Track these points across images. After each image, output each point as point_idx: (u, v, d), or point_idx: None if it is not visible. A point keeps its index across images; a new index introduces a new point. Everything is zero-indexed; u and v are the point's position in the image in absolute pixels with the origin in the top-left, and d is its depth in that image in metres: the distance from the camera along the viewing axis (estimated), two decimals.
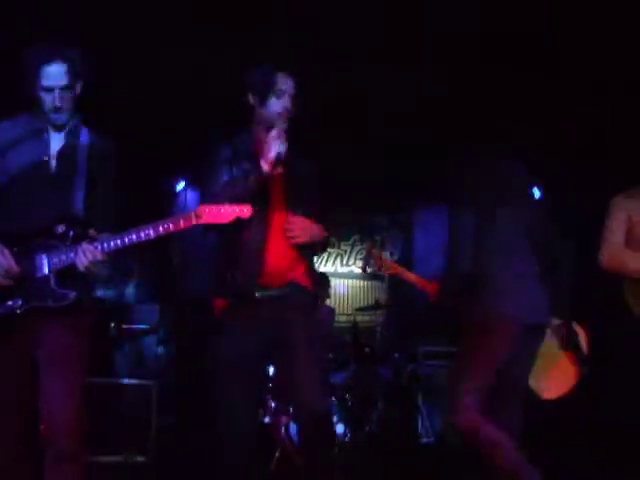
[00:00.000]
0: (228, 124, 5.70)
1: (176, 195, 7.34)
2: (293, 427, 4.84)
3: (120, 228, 2.63)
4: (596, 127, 5.28)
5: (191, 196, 7.47)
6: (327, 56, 4.70)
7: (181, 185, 7.34)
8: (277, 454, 4.59)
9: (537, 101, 5.31)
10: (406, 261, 7.23)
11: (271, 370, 5.12)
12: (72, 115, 2.77)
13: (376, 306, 6.37)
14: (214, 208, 2.53)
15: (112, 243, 2.54)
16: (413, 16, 4.53)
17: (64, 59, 2.63)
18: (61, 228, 2.59)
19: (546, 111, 5.44)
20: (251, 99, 3.03)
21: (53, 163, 2.71)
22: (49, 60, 2.61)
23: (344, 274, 7.91)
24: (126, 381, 5.26)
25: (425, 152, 5.83)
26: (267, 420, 4.98)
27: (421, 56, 4.90)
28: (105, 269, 2.66)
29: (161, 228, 2.54)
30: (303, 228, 2.87)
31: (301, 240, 2.86)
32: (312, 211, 2.96)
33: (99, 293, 6.15)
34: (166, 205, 7.19)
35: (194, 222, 2.54)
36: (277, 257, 2.85)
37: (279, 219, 2.88)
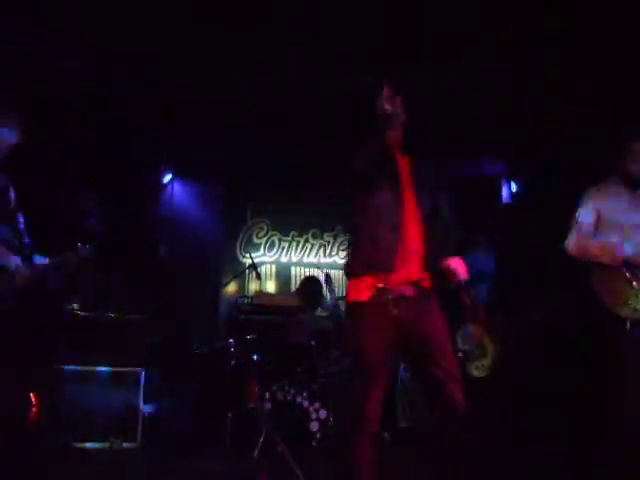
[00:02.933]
0: (219, 119, 5.85)
1: (163, 187, 7.39)
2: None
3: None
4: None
5: (178, 188, 7.55)
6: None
7: (168, 177, 7.39)
8: (261, 440, 4.70)
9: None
10: None
11: (255, 357, 5.25)
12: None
13: None
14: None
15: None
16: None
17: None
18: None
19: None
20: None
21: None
22: None
23: (327, 264, 8.02)
24: (114, 369, 5.35)
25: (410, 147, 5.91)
26: (251, 406, 5.11)
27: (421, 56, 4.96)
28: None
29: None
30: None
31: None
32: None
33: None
34: (152, 197, 7.23)
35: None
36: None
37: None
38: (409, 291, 2.78)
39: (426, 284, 2.84)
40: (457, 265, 2.86)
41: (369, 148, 2.82)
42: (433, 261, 2.85)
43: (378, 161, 2.82)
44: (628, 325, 3.36)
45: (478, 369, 4.83)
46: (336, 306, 6.01)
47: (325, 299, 6.16)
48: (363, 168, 2.83)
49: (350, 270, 2.92)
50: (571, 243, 3.61)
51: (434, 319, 2.78)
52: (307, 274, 7.50)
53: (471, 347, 4.86)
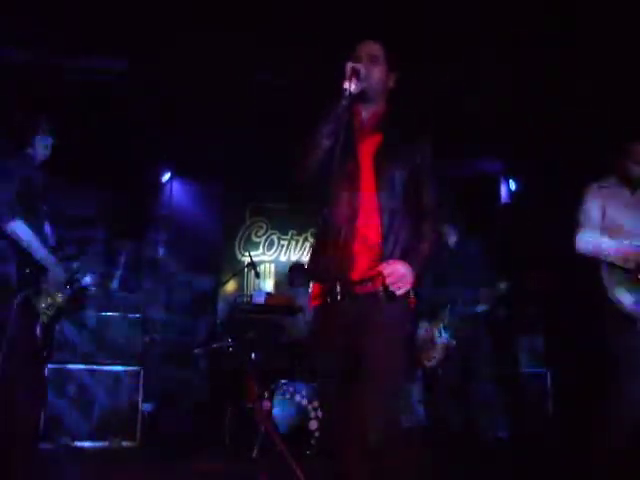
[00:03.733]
0: (219, 118, 5.84)
1: (162, 186, 7.38)
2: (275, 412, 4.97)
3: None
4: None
5: (177, 187, 7.54)
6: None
7: (167, 176, 7.39)
8: (260, 439, 4.70)
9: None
10: None
11: (253, 355, 5.25)
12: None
13: None
14: None
15: None
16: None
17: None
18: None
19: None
20: None
21: None
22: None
23: None
24: (114, 368, 5.36)
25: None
26: (250, 405, 5.11)
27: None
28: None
29: None
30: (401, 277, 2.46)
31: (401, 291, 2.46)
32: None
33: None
34: (151, 196, 7.23)
35: None
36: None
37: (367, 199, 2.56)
38: (359, 290, 2.48)
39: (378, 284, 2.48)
40: (389, 271, 2.43)
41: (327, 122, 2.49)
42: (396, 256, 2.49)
43: (333, 158, 2.44)
44: (638, 323, 3.36)
45: (429, 360, 5.00)
46: None
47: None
48: (313, 173, 2.54)
49: (308, 273, 2.75)
50: (582, 240, 3.55)
51: (376, 327, 2.45)
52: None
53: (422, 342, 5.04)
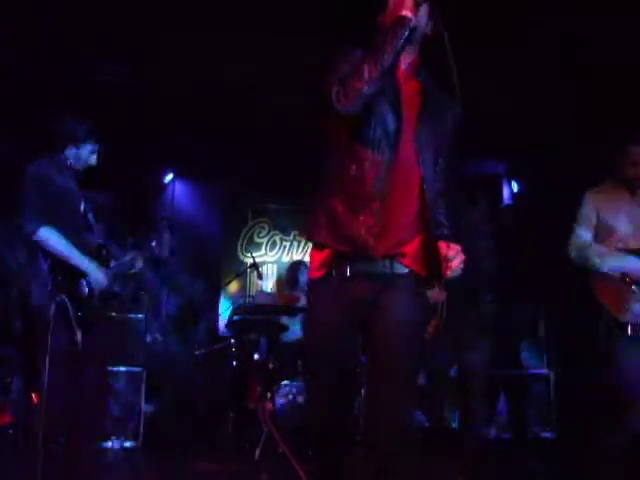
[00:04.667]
0: (221, 119, 5.85)
1: (164, 186, 7.39)
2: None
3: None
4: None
5: (179, 188, 7.55)
6: None
7: (169, 177, 7.39)
8: (262, 439, 4.70)
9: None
10: None
11: (256, 356, 5.25)
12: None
13: None
14: None
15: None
16: None
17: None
18: (104, 252, 3.48)
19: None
20: None
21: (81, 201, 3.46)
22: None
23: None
24: (115, 368, 5.36)
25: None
26: (252, 406, 5.11)
27: None
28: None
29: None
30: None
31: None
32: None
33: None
34: (153, 197, 7.23)
35: None
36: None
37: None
38: (377, 268, 2.19)
39: (407, 261, 2.22)
40: (454, 255, 2.16)
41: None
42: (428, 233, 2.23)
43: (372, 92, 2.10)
44: (629, 330, 3.35)
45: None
46: None
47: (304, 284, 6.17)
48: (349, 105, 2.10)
49: (309, 232, 2.35)
50: (573, 249, 3.57)
51: (395, 310, 2.18)
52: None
53: None
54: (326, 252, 2.25)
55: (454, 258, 2.15)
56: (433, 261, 2.21)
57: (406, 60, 2.31)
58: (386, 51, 2.10)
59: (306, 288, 2.53)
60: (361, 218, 2.16)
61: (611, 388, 3.40)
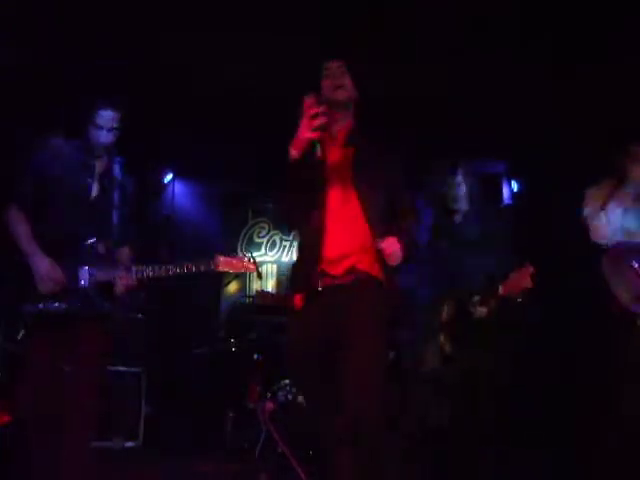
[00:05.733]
0: (221, 119, 5.85)
1: (164, 187, 7.39)
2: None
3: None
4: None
5: (179, 188, 7.55)
6: None
7: (169, 177, 7.39)
8: (262, 439, 4.70)
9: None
10: None
11: (255, 356, 5.25)
12: (111, 147, 3.28)
13: None
14: (226, 260, 3.08)
15: (145, 273, 3.04)
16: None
17: (117, 107, 3.20)
18: (101, 247, 3.09)
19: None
20: None
21: (94, 187, 3.19)
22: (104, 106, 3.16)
23: None
24: (115, 368, 5.36)
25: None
26: (252, 406, 5.11)
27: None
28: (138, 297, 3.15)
29: (185, 269, 3.12)
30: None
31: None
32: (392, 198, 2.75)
33: None
34: (154, 197, 7.23)
35: (211, 268, 3.08)
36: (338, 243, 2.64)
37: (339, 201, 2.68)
38: (342, 280, 2.60)
39: (364, 267, 2.62)
40: (386, 244, 2.56)
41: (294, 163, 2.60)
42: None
43: (304, 182, 2.61)
44: (637, 320, 3.36)
45: None
46: None
47: None
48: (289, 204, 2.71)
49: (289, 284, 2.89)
50: (599, 232, 3.57)
51: (359, 312, 2.55)
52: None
53: None
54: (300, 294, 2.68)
55: (387, 247, 2.54)
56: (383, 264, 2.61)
57: (335, 129, 2.73)
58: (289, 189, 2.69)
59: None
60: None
61: (615, 382, 3.41)
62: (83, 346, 3.02)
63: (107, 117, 3.17)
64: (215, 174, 7.23)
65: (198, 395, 5.88)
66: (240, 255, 2.97)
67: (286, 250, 7.97)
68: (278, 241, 7.97)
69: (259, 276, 6.23)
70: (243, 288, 7.56)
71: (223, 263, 3.00)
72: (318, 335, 2.57)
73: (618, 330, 3.45)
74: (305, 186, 2.60)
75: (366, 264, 2.61)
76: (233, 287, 7.39)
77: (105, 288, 3.03)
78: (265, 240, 7.94)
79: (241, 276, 7.14)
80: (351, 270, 2.59)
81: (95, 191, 3.18)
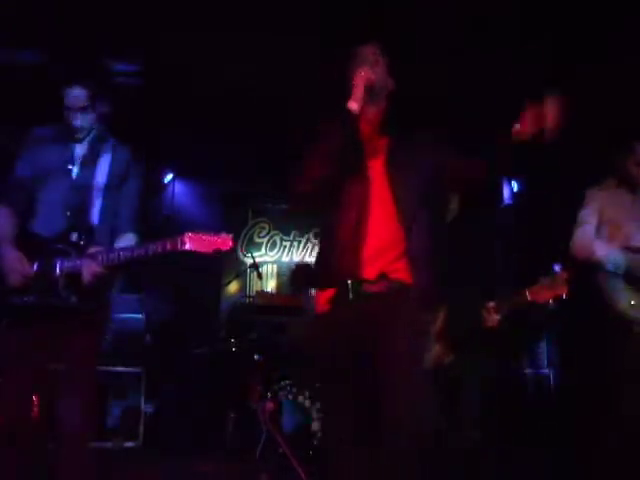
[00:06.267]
0: (221, 118, 5.85)
1: (164, 187, 7.39)
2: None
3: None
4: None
5: (179, 188, 7.55)
6: None
7: (169, 177, 7.39)
8: (262, 440, 4.69)
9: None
10: None
11: (256, 356, 5.25)
12: (92, 129, 3.02)
13: None
14: (196, 237, 2.74)
15: (110, 258, 2.77)
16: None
17: (84, 85, 2.93)
18: (74, 236, 2.86)
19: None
20: None
21: (75, 171, 2.97)
22: (70, 83, 2.93)
23: None
24: (115, 369, 5.36)
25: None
26: (252, 406, 5.10)
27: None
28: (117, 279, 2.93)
29: (150, 250, 2.74)
30: None
31: None
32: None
33: None
34: (153, 197, 7.23)
35: (179, 248, 2.74)
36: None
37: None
38: (375, 288, 2.44)
39: (401, 275, 2.46)
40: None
41: (330, 138, 2.44)
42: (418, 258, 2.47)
43: (341, 157, 2.42)
44: (633, 326, 3.36)
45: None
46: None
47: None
48: (322, 172, 2.44)
49: (314, 281, 2.67)
50: (576, 245, 3.59)
51: (397, 328, 2.40)
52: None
53: None
54: (330, 291, 2.50)
55: None
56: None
57: (369, 118, 2.58)
58: (325, 148, 2.44)
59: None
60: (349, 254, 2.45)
61: (613, 385, 3.40)
62: (63, 342, 2.85)
63: (74, 96, 2.94)
64: (215, 174, 7.23)
65: (198, 395, 5.87)
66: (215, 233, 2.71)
67: (286, 250, 7.97)
68: (278, 241, 7.97)
69: (259, 276, 6.30)
70: (243, 288, 7.56)
71: (192, 241, 2.72)
72: (348, 344, 2.42)
73: (615, 336, 3.44)
74: (344, 166, 2.45)
75: (399, 269, 2.46)
76: (233, 287, 7.38)
77: (75, 279, 2.80)
78: (265, 240, 7.94)
79: (241, 276, 7.14)
80: (383, 276, 2.44)
81: (75, 176, 2.96)
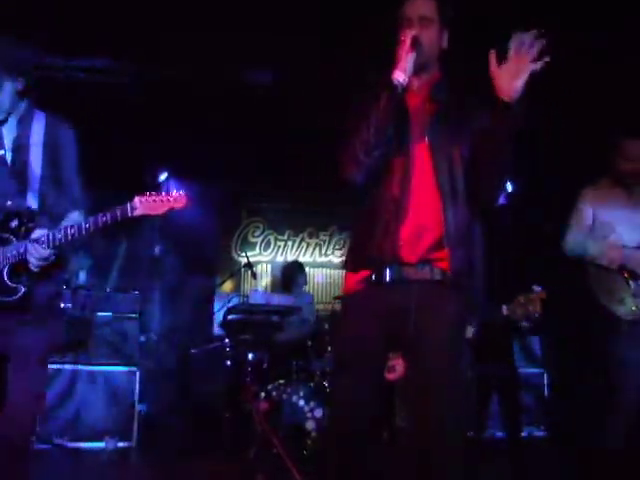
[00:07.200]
0: (216, 118, 5.84)
1: (159, 186, 7.37)
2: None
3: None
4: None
5: (173, 186, 7.52)
6: None
7: (164, 176, 7.37)
8: (257, 439, 4.69)
9: None
10: None
11: (250, 356, 5.24)
12: (11, 109, 2.76)
13: None
14: (147, 198, 2.57)
15: (57, 238, 2.56)
16: None
17: None
18: (14, 222, 2.66)
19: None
20: None
21: (8, 156, 2.76)
22: None
23: (323, 264, 8.04)
24: (109, 368, 5.34)
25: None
26: (247, 406, 5.10)
27: None
28: (77, 261, 2.71)
29: (100, 221, 2.56)
30: None
31: None
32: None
33: (81, 279, 6.21)
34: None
35: (129, 214, 2.56)
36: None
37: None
38: (416, 274, 2.25)
39: (443, 265, 2.26)
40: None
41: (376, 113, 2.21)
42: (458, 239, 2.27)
43: (384, 125, 2.22)
44: (624, 325, 3.37)
45: None
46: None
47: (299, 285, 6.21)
48: (366, 138, 2.22)
49: (346, 261, 2.44)
50: (569, 243, 3.61)
51: (438, 319, 2.23)
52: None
53: None
54: (363, 273, 2.33)
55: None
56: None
57: (418, 85, 2.37)
58: (372, 123, 2.21)
59: (341, 301, 2.54)
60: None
61: (607, 384, 3.42)
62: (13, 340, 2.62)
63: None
64: (210, 173, 7.21)
65: (194, 395, 5.87)
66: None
67: (280, 250, 7.96)
68: (273, 241, 7.96)
69: (253, 276, 6.29)
70: (237, 288, 7.55)
71: (143, 204, 2.54)
72: (379, 333, 2.27)
73: (607, 334, 3.46)
74: (388, 143, 2.25)
75: (442, 258, 2.26)
76: (227, 287, 7.37)
77: (22, 267, 2.59)
78: (260, 240, 7.93)
79: (236, 275, 7.13)
80: (426, 261, 2.25)
81: (9, 161, 2.75)
